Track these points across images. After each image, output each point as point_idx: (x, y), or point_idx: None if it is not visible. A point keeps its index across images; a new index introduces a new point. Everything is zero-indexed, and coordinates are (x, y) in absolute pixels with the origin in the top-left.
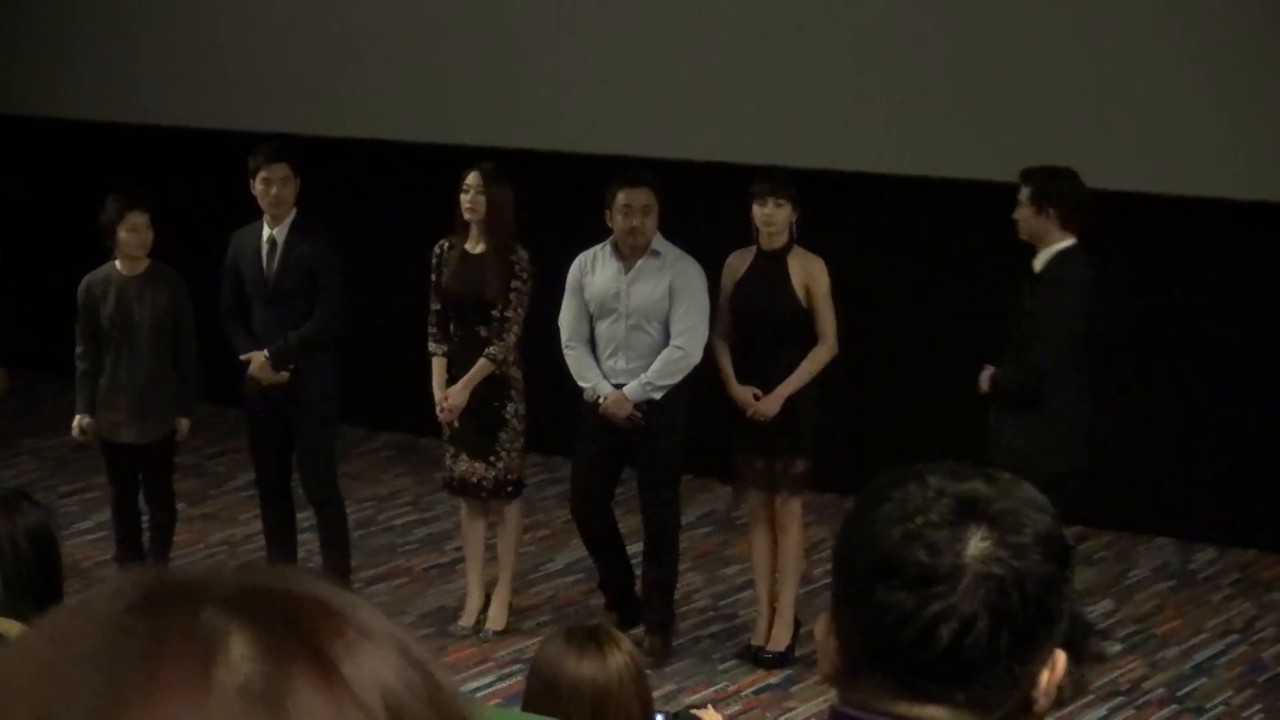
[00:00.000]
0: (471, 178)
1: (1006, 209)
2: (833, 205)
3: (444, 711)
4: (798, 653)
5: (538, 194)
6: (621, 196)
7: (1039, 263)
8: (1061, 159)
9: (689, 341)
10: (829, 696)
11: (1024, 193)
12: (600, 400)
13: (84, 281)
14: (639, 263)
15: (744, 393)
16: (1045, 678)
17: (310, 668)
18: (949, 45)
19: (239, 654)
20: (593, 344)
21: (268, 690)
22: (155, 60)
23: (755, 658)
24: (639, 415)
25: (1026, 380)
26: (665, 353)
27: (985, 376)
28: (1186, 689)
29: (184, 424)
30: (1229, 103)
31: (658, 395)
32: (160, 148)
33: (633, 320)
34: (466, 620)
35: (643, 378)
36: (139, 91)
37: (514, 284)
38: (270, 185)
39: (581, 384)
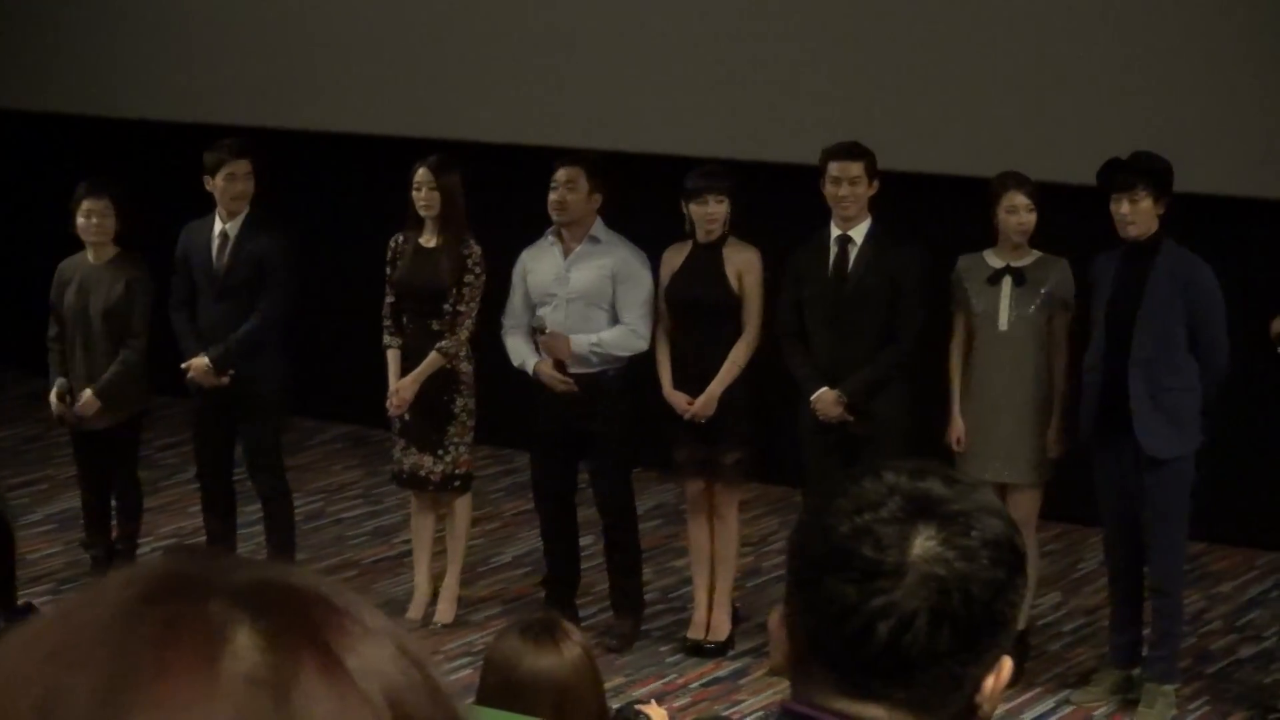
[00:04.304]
0: (421, 173)
1: (954, 201)
2: (770, 196)
3: (441, 707)
4: (740, 644)
5: (486, 187)
6: (556, 175)
7: None
8: (1003, 151)
9: (641, 325)
10: (778, 689)
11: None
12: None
13: (59, 267)
14: (578, 248)
15: (679, 399)
16: (990, 683)
17: (315, 659)
18: (882, 35)
19: (245, 643)
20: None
21: (274, 678)
22: (120, 54)
23: (697, 650)
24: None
25: None
26: (620, 327)
27: None
28: None
29: (86, 395)
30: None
31: (595, 358)
32: (125, 141)
33: (573, 305)
34: (415, 613)
35: (592, 337)
36: (104, 85)
37: (466, 278)
38: (235, 181)
39: (515, 361)
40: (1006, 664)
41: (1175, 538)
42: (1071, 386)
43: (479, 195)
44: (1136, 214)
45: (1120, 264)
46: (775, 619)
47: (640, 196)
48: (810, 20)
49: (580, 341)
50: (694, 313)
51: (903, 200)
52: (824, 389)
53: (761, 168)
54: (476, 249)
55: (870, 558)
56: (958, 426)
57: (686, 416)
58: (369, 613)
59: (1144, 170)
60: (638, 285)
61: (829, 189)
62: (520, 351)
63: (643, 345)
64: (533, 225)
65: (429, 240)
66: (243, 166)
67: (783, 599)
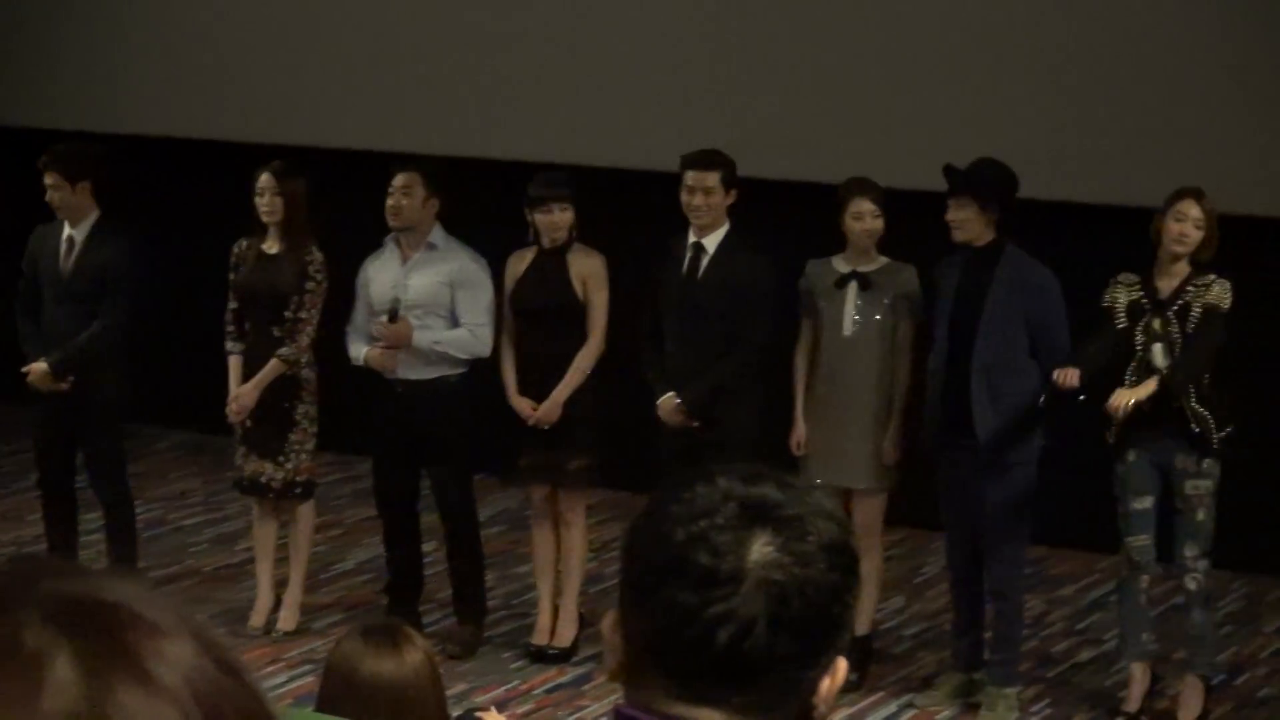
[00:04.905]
0: (264, 179)
1: (806, 207)
2: (617, 202)
3: (243, 695)
4: (584, 651)
5: (330, 194)
6: (393, 180)
7: None
8: (851, 157)
9: (482, 330)
10: (622, 695)
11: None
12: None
13: None
14: (416, 255)
15: (523, 404)
16: (826, 685)
17: (130, 680)
18: (734, 42)
19: (64, 675)
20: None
21: (95, 712)
22: None
23: (540, 656)
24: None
25: None
26: (461, 330)
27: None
28: None
29: None
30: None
31: (435, 357)
32: None
33: (411, 313)
34: (257, 620)
35: (433, 335)
36: None
37: (308, 285)
38: (46, 191)
39: (352, 356)
40: (841, 665)
41: (1016, 542)
42: (915, 392)
43: (324, 201)
44: (961, 220)
45: (962, 269)
46: (609, 624)
47: (484, 203)
48: (660, 25)
49: (421, 339)
50: (538, 319)
51: (754, 207)
52: (668, 394)
53: (619, 174)
54: (319, 255)
55: (707, 565)
56: (799, 431)
57: (530, 422)
58: (171, 613)
59: (971, 177)
60: (478, 291)
61: (685, 197)
62: (357, 348)
63: (484, 350)
64: (377, 232)
65: (272, 246)
66: (48, 178)
67: (616, 604)
